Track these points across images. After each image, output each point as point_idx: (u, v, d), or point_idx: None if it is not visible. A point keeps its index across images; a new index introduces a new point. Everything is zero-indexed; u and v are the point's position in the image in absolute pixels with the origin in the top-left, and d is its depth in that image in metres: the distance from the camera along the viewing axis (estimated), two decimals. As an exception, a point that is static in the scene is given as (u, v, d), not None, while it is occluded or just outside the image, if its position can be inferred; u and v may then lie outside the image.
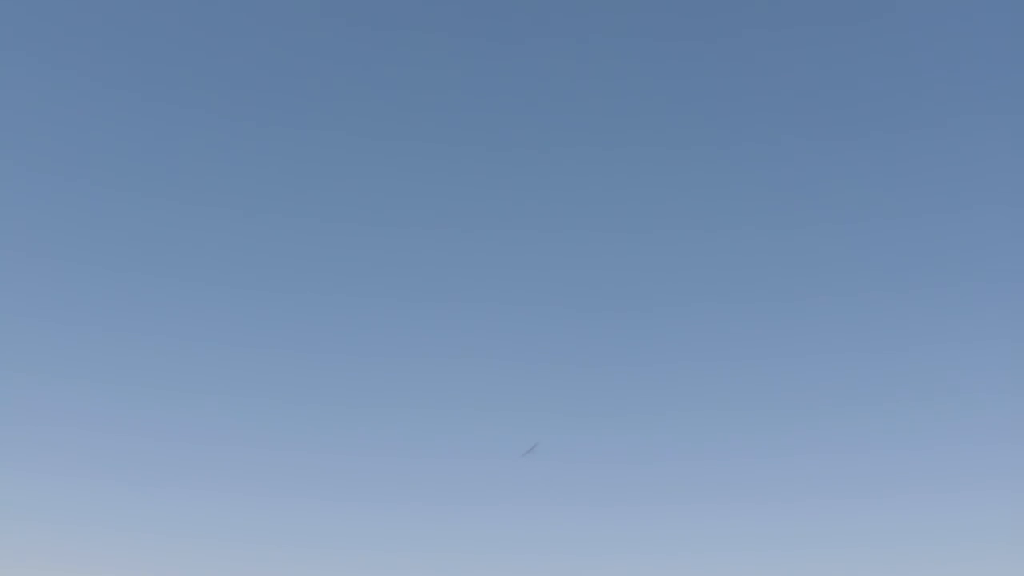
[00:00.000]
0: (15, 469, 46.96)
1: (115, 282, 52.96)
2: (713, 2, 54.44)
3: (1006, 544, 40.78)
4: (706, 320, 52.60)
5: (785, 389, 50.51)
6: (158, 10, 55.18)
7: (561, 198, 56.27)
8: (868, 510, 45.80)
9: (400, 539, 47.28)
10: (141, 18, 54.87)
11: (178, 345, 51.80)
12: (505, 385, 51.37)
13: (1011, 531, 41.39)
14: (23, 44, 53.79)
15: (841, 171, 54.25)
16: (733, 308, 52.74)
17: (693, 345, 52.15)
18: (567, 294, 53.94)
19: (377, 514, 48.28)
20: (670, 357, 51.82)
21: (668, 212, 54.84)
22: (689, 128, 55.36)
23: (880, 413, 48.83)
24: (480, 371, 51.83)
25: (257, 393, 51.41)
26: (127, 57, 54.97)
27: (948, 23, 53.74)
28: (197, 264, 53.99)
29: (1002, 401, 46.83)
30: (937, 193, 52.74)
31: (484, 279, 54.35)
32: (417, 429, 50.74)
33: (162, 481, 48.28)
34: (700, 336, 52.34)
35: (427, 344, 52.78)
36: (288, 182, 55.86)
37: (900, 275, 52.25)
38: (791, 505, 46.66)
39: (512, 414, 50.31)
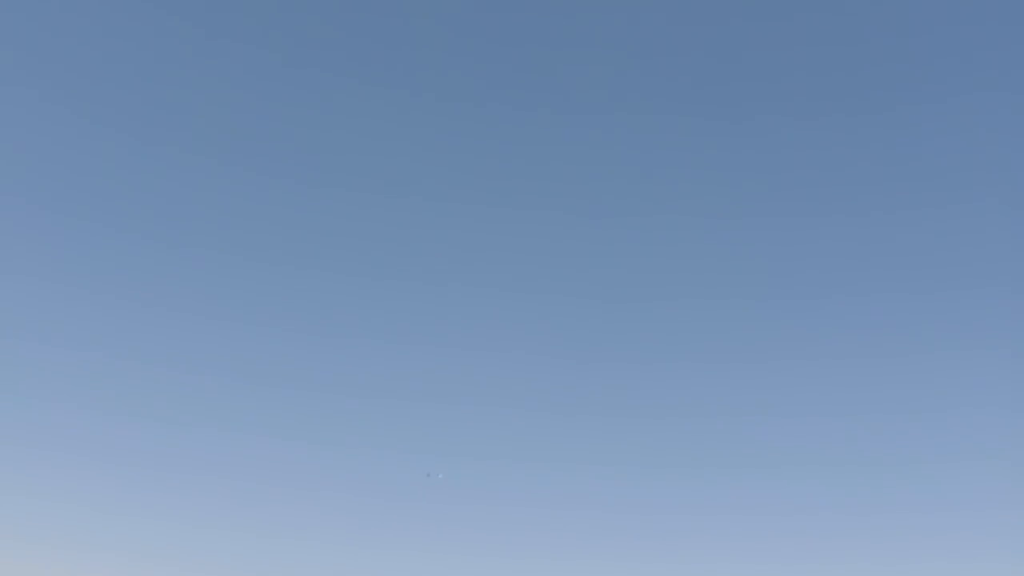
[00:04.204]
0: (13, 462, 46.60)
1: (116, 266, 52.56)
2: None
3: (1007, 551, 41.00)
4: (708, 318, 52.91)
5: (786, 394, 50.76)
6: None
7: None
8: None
9: (406, 536, 47.19)
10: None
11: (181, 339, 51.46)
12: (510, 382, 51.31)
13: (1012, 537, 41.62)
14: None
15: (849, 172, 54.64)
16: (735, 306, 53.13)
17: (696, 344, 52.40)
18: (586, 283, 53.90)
19: (380, 510, 48.18)
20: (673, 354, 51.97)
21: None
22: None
23: (884, 420, 49.13)
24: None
25: (257, 387, 51.16)
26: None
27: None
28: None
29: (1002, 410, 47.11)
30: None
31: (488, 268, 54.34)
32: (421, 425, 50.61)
33: (163, 474, 48.02)
34: (703, 335, 52.59)
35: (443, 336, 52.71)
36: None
37: (904, 278, 52.72)
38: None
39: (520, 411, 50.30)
